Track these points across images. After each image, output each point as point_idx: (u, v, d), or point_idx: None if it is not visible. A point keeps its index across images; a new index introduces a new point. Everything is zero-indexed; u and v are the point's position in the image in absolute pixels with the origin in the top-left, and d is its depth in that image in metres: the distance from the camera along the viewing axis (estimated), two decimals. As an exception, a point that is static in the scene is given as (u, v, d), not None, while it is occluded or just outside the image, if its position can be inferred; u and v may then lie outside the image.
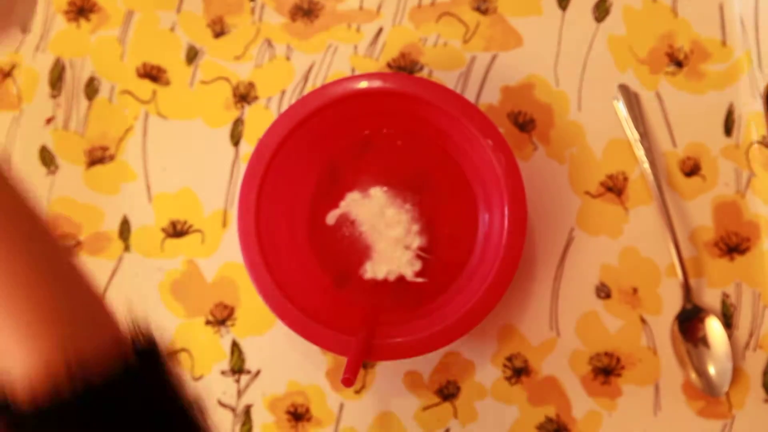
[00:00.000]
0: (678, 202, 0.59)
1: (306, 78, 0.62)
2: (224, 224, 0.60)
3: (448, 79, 0.61)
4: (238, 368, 0.59)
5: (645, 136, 0.59)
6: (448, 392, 0.58)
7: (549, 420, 0.57)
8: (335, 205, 0.59)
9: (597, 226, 0.59)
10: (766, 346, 0.57)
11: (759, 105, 0.58)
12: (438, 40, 0.62)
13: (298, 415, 0.58)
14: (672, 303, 0.58)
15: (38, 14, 0.64)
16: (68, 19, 0.64)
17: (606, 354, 0.57)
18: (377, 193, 0.58)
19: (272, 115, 0.62)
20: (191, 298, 0.60)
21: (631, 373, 0.57)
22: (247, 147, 0.61)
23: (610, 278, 0.58)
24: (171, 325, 0.59)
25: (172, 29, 0.63)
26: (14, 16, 0.45)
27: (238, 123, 0.62)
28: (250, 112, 0.62)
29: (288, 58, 0.62)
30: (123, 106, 0.62)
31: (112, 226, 0.61)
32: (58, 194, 0.62)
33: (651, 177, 0.58)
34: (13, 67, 0.64)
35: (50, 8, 0.64)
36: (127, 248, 0.61)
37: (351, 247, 0.58)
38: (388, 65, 0.62)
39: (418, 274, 0.57)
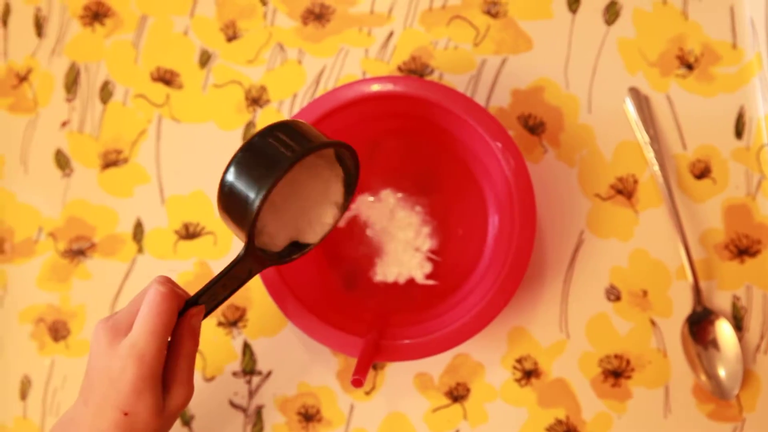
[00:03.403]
0: (688, 204, 0.59)
1: (317, 81, 0.62)
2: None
3: (458, 82, 0.61)
4: (249, 369, 0.60)
5: (655, 138, 0.59)
6: (457, 394, 0.58)
7: (559, 422, 0.57)
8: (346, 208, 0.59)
9: (607, 229, 0.59)
10: (777, 349, 0.57)
11: (770, 107, 0.58)
12: (448, 43, 0.62)
13: (308, 416, 0.59)
14: (682, 305, 0.57)
15: (53, 19, 0.65)
16: (83, 24, 0.65)
17: (616, 356, 0.58)
18: (388, 195, 0.59)
19: (284, 118, 0.62)
20: (203, 300, 0.60)
21: (641, 376, 0.57)
22: (259, 150, 0.62)
23: (620, 280, 0.58)
24: (183, 326, 0.60)
25: (185, 33, 0.64)
26: None
27: (250, 126, 0.62)
28: (262, 115, 0.62)
29: (299, 62, 0.63)
30: (137, 109, 0.63)
31: (126, 228, 0.62)
32: (73, 197, 0.63)
33: (661, 179, 0.58)
34: (29, 71, 0.65)
35: (66, 13, 0.65)
36: (140, 250, 0.61)
37: (361, 249, 0.59)
38: (399, 68, 0.62)
39: (428, 277, 0.58)
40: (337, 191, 0.50)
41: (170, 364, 0.44)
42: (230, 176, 0.44)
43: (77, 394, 0.45)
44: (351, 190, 0.50)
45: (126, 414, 0.42)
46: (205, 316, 0.46)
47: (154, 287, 0.43)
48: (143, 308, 0.43)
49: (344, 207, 0.50)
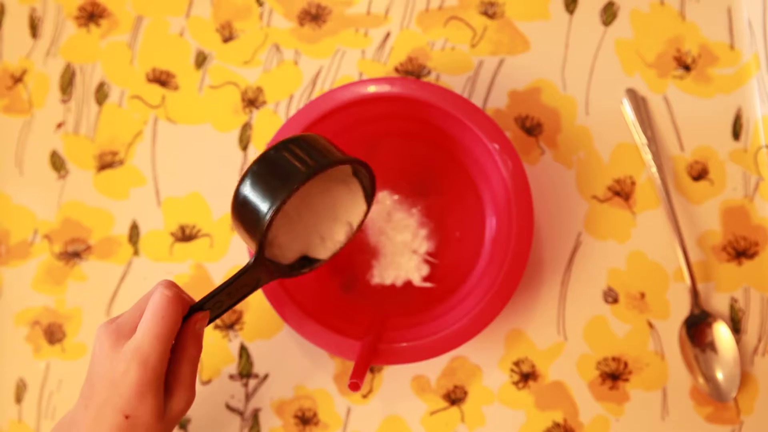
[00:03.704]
0: (686, 206, 0.58)
1: (314, 82, 0.62)
2: (233, 229, 0.61)
3: (455, 83, 0.61)
4: (246, 372, 0.59)
5: (652, 140, 0.59)
6: (455, 397, 0.58)
7: (556, 425, 0.57)
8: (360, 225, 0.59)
9: (604, 231, 0.59)
10: (774, 351, 0.57)
11: (767, 109, 0.58)
12: (445, 44, 0.62)
13: (305, 419, 0.58)
14: (680, 308, 0.57)
15: (48, 20, 0.64)
16: (78, 25, 0.64)
17: (613, 359, 0.57)
18: (385, 197, 0.58)
19: (280, 119, 0.62)
20: (200, 302, 0.60)
21: (639, 378, 0.57)
22: (256, 151, 0.62)
23: (618, 283, 0.58)
24: (180, 328, 0.60)
25: (181, 34, 0.64)
26: None
27: (246, 127, 0.62)
28: (258, 116, 0.62)
29: (296, 63, 0.62)
30: (132, 110, 0.63)
31: (122, 231, 0.62)
32: (68, 198, 0.62)
33: (658, 181, 0.57)
34: (24, 72, 0.64)
35: (60, 14, 0.64)
36: (136, 252, 0.61)
37: (358, 252, 0.58)
38: (396, 69, 0.62)
39: (425, 279, 0.58)
40: (351, 209, 0.50)
41: (173, 368, 0.44)
42: (245, 186, 0.44)
43: (75, 397, 0.45)
44: (367, 208, 0.50)
45: (127, 417, 0.42)
46: (210, 322, 0.46)
47: (159, 291, 0.43)
48: (148, 312, 0.43)
49: (358, 224, 0.50)
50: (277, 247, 0.48)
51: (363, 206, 0.50)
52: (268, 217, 0.43)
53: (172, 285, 0.44)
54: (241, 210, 0.45)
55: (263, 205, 0.43)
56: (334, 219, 0.50)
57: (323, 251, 0.50)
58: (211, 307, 0.46)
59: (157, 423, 0.43)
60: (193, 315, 0.45)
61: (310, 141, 0.46)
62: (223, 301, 0.46)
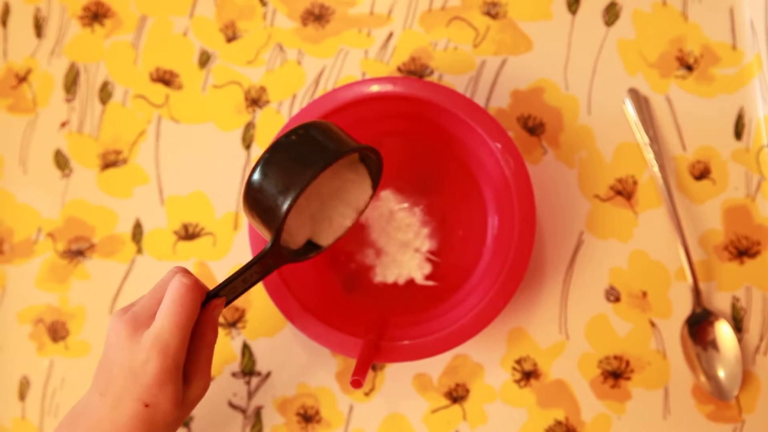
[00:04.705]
0: (688, 205, 0.59)
1: (317, 82, 0.62)
2: (235, 227, 0.61)
3: (458, 83, 0.61)
4: (248, 370, 0.59)
5: (655, 139, 0.59)
6: (457, 395, 0.58)
7: (558, 423, 0.57)
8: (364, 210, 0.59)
9: (606, 230, 0.59)
10: (776, 350, 0.57)
11: (769, 109, 0.58)
12: (448, 44, 0.62)
13: (308, 416, 0.59)
14: (682, 306, 0.57)
15: (53, 20, 0.65)
16: (83, 25, 0.65)
17: (615, 357, 0.57)
18: (387, 196, 0.59)
19: (283, 119, 0.62)
20: (203, 300, 0.60)
21: (641, 377, 0.57)
22: (259, 150, 0.62)
23: (620, 282, 0.58)
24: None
25: (184, 34, 0.64)
26: None
27: (249, 127, 0.62)
28: (261, 116, 0.62)
29: (299, 63, 0.63)
30: (136, 110, 0.63)
31: (125, 229, 0.62)
32: (72, 197, 0.62)
33: (661, 180, 0.58)
34: (28, 71, 0.64)
35: (65, 14, 0.65)
36: (139, 251, 0.61)
37: (361, 250, 0.59)
38: (399, 69, 0.62)
39: (427, 278, 0.58)
40: (358, 194, 0.50)
41: (191, 354, 0.44)
42: (260, 174, 0.44)
43: (79, 395, 0.45)
44: (372, 193, 0.51)
45: (147, 406, 0.42)
46: (225, 307, 0.47)
47: (177, 278, 0.43)
48: (167, 300, 0.43)
49: (363, 209, 0.51)
50: (287, 233, 0.48)
51: (369, 191, 0.50)
52: (287, 205, 0.43)
53: (188, 272, 0.44)
54: (257, 197, 0.45)
55: (281, 193, 0.43)
56: (342, 204, 0.50)
57: (329, 236, 0.50)
58: (227, 293, 0.46)
59: (175, 410, 0.43)
60: (210, 302, 0.45)
61: (323, 128, 0.46)
62: (237, 287, 0.46)
